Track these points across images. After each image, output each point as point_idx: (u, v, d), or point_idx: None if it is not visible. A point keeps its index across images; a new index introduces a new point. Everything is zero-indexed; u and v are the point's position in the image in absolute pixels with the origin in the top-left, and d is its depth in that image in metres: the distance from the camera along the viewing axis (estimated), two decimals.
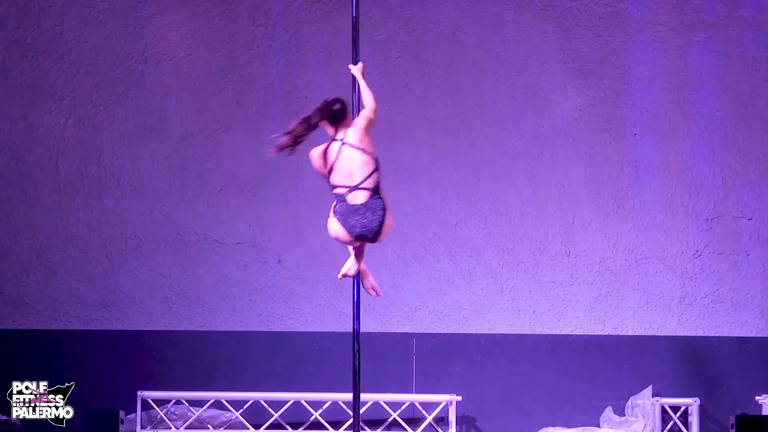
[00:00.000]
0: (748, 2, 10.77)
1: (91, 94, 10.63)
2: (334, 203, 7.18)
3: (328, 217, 7.16)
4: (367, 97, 7.29)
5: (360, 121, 7.21)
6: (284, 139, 7.12)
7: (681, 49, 10.78)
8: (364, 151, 7.13)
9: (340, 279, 7.47)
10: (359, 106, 7.31)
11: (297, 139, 7.11)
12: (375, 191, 7.14)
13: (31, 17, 10.62)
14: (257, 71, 10.67)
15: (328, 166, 7.14)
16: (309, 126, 7.15)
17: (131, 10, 10.65)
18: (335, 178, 7.15)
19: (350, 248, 7.39)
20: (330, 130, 7.20)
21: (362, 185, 7.14)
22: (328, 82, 10.53)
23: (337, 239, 7.24)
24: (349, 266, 7.41)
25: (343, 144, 7.14)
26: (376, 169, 7.14)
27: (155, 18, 10.67)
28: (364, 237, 7.17)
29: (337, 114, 7.18)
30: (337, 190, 7.16)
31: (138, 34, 10.64)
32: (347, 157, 7.13)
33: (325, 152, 7.14)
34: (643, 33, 10.78)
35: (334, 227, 7.17)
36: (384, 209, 7.13)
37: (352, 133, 7.16)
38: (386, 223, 7.17)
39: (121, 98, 10.63)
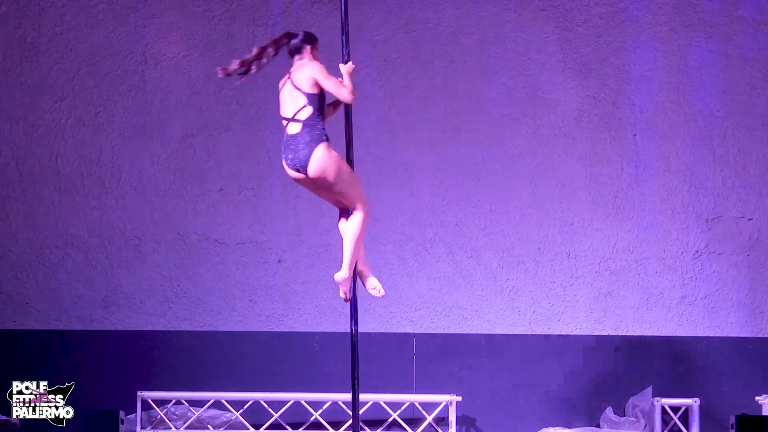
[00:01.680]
0: (748, 2, 10.77)
1: (91, 94, 10.63)
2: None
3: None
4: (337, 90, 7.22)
5: (320, 75, 7.13)
6: (235, 64, 7.12)
7: (681, 49, 10.78)
8: (299, 89, 7.09)
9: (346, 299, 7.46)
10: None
11: (248, 66, 7.11)
12: (310, 124, 7.10)
13: (31, 17, 10.62)
14: (257, 71, 10.66)
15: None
16: (263, 55, 7.16)
17: (131, 10, 10.65)
18: (280, 110, 7.21)
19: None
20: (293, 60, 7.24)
21: (295, 117, 7.11)
22: None
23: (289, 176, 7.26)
24: (341, 275, 7.38)
25: (288, 77, 7.17)
26: (308, 104, 7.10)
27: (155, 18, 10.67)
28: (298, 170, 7.14)
29: (296, 48, 7.22)
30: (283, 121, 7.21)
31: (138, 34, 10.64)
32: (287, 90, 7.15)
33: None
34: (643, 33, 10.78)
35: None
36: (315, 141, 7.08)
37: (302, 72, 7.15)
38: (317, 155, 7.09)
39: (121, 98, 10.63)
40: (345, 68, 7.33)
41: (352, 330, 7.33)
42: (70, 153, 10.59)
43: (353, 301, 7.39)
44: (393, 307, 10.54)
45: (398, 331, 10.50)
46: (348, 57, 7.39)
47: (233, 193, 10.63)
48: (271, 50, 7.21)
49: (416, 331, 10.50)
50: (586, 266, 10.67)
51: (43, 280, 10.49)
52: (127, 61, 10.64)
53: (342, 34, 7.45)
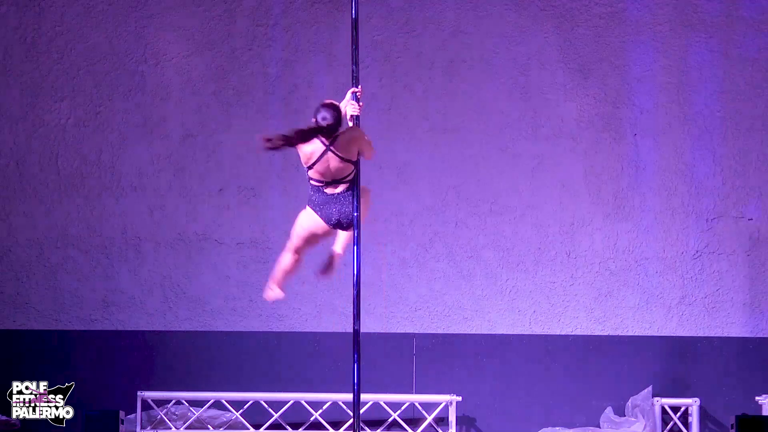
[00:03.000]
0: (748, 2, 10.77)
1: (91, 94, 10.63)
2: (311, 195, 7.38)
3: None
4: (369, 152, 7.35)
5: (363, 145, 7.23)
6: (273, 141, 7.09)
7: (681, 49, 10.78)
8: (348, 161, 7.19)
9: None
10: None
11: (282, 146, 7.11)
12: (352, 182, 7.29)
13: (31, 17, 10.62)
14: (257, 71, 10.67)
15: (309, 162, 7.19)
16: (297, 141, 7.13)
17: (131, 10, 10.65)
18: (313, 174, 7.27)
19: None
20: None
21: (342, 179, 7.25)
22: (328, 82, 10.53)
23: (308, 232, 7.50)
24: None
25: (328, 149, 7.17)
26: (354, 169, 7.27)
27: (155, 18, 10.67)
28: (341, 225, 7.36)
29: (329, 128, 7.16)
30: (313, 182, 7.31)
31: (138, 34, 10.64)
32: (329, 160, 7.17)
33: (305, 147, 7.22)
34: (643, 33, 10.78)
35: (310, 218, 7.43)
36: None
37: (344, 144, 7.16)
38: (363, 210, 7.35)
39: (121, 98, 10.63)
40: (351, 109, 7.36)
41: (355, 329, 7.34)
42: (70, 153, 10.59)
43: (356, 301, 7.40)
44: (393, 307, 10.54)
45: (398, 331, 10.50)
46: (357, 81, 7.36)
47: (233, 193, 10.63)
48: (303, 137, 7.21)
49: (416, 331, 10.50)
50: (586, 266, 10.67)
51: (43, 280, 10.50)
52: (127, 61, 10.64)
53: (352, 63, 7.43)
